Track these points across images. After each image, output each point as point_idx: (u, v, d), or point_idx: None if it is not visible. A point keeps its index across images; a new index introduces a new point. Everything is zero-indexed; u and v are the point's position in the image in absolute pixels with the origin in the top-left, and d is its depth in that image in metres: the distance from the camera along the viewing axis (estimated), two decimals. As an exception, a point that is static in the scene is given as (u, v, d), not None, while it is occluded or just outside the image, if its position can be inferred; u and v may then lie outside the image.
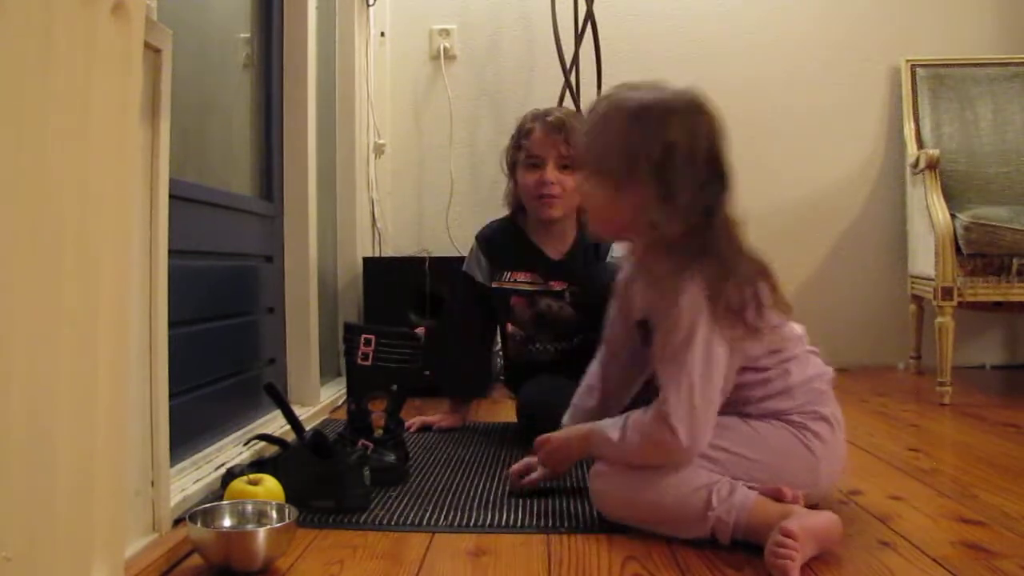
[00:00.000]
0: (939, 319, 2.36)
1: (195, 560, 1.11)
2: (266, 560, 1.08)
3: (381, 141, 3.00)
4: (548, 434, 1.39)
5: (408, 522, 1.29)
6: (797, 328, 1.32)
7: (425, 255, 2.62)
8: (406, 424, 1.83)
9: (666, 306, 1.22)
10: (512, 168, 2.00)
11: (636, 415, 1.23)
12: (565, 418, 1.48)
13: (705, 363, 1.19)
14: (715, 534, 1.15)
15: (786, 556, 1.04)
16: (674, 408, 1.18)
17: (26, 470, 0.73)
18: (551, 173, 1.90)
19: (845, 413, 1.33)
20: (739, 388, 1.26)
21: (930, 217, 2.46)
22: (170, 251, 1.19)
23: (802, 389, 1.28)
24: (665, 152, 1.20)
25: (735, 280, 1.20)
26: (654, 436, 1.19)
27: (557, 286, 1.97)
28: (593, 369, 1.49)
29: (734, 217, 1.24)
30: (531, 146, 1.92)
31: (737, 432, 1.24)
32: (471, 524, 1.28)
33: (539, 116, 1.96)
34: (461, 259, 2.11)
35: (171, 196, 1.20)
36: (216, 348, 1.70)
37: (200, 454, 1.55)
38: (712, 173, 1.22)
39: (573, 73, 2.77)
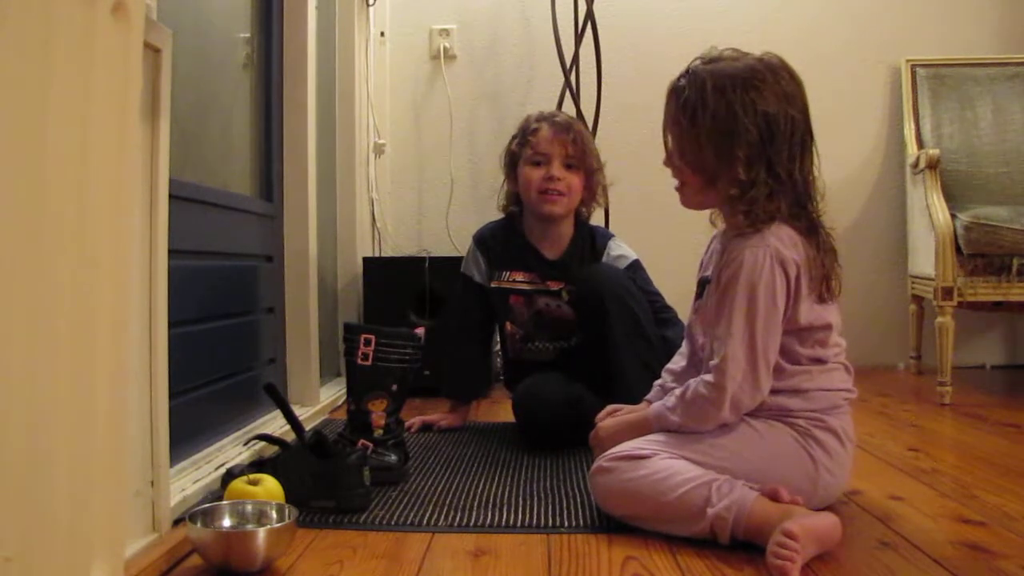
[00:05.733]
0: (939, 319, 2.36)
1: (195, 560, 1.11)
2: (266, 560, 1.08)
3: (381, 141, 3.00)
4: (600, 424, 1.40)
5: (408, 522, 1.29)
6: (842, 340, 1.32)
7: (425, 255, 2.62)
8: (406, 424, 1.83)
9: (733, 258, 1.24)
10: (512, 166, 2.00)
11: (693, 384, 1.26)
12: (654, 388, 1.48)
13: (767, 312, 1.21)
14: (714, 532, 1.15)
15: (787, 557, 1.04)
16: (733, 356, 1.21)
17: (25, 470, 0.73)
18: (557, 169, 1.91)
19: (845, 413, 1.33)
20: None
21: (930, 217, 2.46)
22: (170, 251, 1.19)
23: (818, 395, 1.27)
24: (765, 125, 1.22)
25: (818, 242, 1.25)
26: (712, 395, 1.22)
27: (555, 286, 1.97)
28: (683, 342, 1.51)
29: (816, 186, 1.27)
30: (537, 143, 1.94)
31: (737, 431, 1.25)
32: (471, 524, 1.28)
33: (545, 116, 1.99)
34: (461, 259, 2.11)
35: (171, 196, 1.20)
36: (216, 348, 1.70)
37: (200, 454, 1.55)
38: (805, 139, 1.26)
39: (573, 73, 2.77)
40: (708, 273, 1.35)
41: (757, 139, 1.22)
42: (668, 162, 1.34)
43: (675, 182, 1.36)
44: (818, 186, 1.28)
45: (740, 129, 1.22)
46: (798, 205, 1.25)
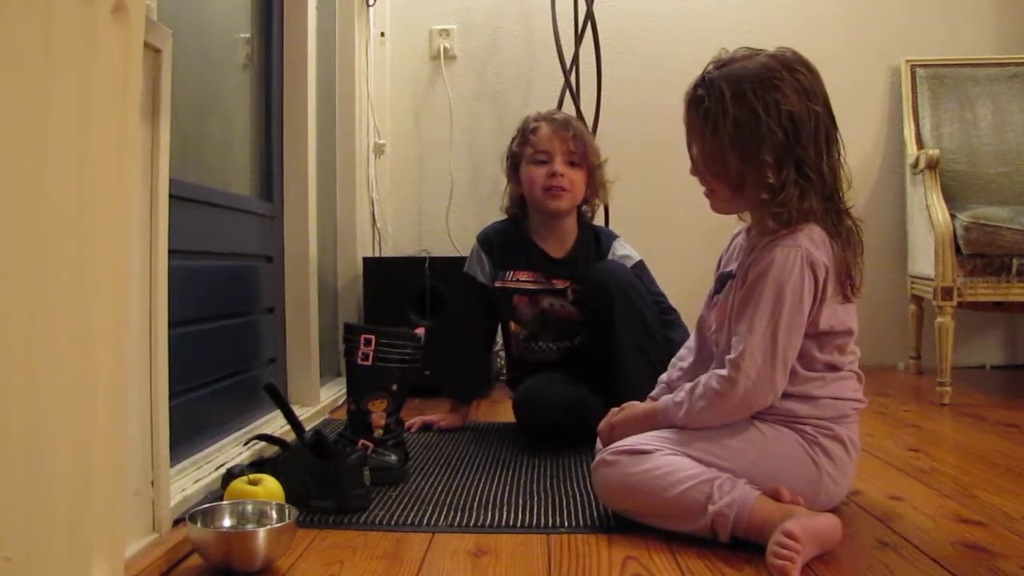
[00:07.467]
0: (939, 319, 2.36)
1: (195, 560, 1.11)
2: (266, 560, 1.08)
3: (381, 141, 3.00)
4: (610, 420, 1.38)
5: (408, 522, 1.29)
6: (856, 348, 1.30)
7: (425, 255, 2.62)
8: (406, 424, 1.83)
9: (763, 255, 1.22)
10: (514, 168, 2.01)
11: (703, 379, 1.25)
12: (659, 384, 1.47)
13: (792, 313, 1.20)
14: (715, 529, 1.15)
15: (787, 557, 1.04)
16: (752, 353, 1.19)
17: (25, 470, 0.73)
18: (560, 166, 1.92)
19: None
20: None
21: (930, 217, 2.46)
22: (170, 251, 1.19)
23: (828, 403, 1.25)
24: (791, 124, 1.20)
25: (844, 240, 1.23)
26: (724, 389, 1.21)
27: (559, 284, 1.98)
28: (691, 335, 1.49)
29: (843, 178, 1.26)
30: (538, 142, 1.95)
31: (743, 433, 1.24)
32: (471, 524, 1.28)
33: (543, 116, 2.01)
34: (461, 259, 2.12)
35: (171, 196, 1.20)
36: (216, 348, 1.70)
37: (200, 454, 1.55)
38: (830, 131, 1.24)
39: (573, 73, 2.77)
40: (730, 268, 1.34)
41: (783, 140, 1.20)
42: (694, 171, 1.32)
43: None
44: (843, 173, 1.26)
45: (764, 132, 1.20)
46: (827, 199, 1.24)
